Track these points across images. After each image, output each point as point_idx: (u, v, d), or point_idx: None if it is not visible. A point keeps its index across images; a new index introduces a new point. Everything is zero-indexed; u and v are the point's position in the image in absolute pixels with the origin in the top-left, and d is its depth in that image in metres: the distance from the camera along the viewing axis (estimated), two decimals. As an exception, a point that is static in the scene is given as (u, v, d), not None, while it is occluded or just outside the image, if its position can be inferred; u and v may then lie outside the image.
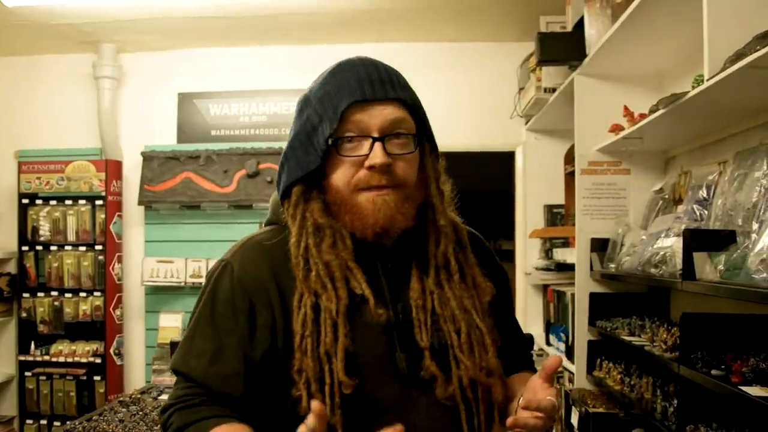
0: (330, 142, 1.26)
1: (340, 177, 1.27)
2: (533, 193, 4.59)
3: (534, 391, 1.21)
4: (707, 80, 1.88)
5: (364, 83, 1.27)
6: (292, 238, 1.29)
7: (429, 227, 1.34)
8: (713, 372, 1.80)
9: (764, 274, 1.60)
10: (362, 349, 1.23)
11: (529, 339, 1.54)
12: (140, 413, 2.99)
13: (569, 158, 3.98)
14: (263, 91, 4.90)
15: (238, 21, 4.37)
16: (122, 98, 4.94)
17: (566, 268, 3.96)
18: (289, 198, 1.33)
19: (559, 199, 4.27)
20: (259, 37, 4.70)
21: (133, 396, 3.34)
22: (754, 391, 1.59)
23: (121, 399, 3.30)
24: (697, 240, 1.94)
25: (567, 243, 3.85)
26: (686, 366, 1.90)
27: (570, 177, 3.94)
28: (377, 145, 1.25)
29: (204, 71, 4.93)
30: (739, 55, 1.73)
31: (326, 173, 1.29)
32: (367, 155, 1.25)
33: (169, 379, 4.23)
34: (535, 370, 1.53)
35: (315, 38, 4.68)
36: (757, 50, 1.61)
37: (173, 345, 4.39)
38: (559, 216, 4.36)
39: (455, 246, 1.37)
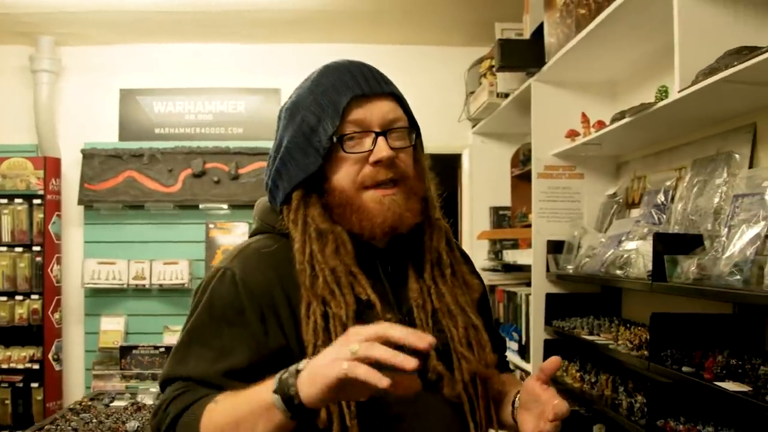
0: (335, 139, 1.24)
1: (344, 176, 1.26)
2: (479, 196, 4.68)
3: (534, 394, 1.23)
4: (679, 92, 1.97)
5: (359, 79, 1.28)
6: (296, 243, 1.26)
7: (425, 222, 1.36)
8: (684, 369, 1.89)
9: (737, 277, 1.70)
10: None
11: (504, 341, 1.59)
12: (94, 421, 2.91)
13: (516, 161, 4.08)
14: (209, 89, 4.83)
15: (185, 17, 4.29)
16: (61, 93, 4.78)
17: (515, 269, 4.07)
18: (289, 204, 1.29)
19: (506, 201, 4.37)
20: (206, 34, 4.63)
21: (83, 403, 3.24)
22: (729, 386, 1.68)
23: (71, 407, 3.20)
24: (666, 243, 2.03)
25: (517, 245, 3.95)
26: (657, 363, 1.99)
27: (516, 180, 4.05)
28: (380, 139, 1.25)
29: (148, 67, 4.82)
30: (713, 70, 1.82)
31: (327, 175, 1.27)
32: (370, 151, 1.25)
33: (119, 384, 4.13)
34: (511, 371, 1.58)
35: (263, 37, 4.64)
36: (734, 65, 1.70)
37: (123, 349, 4.28)
38: (505, 218, 4.46)
39: (446, 242, 1.39)
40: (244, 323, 1.21)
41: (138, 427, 2.85)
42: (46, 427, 2.86)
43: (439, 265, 1.36)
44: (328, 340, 1.18)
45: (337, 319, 1.21)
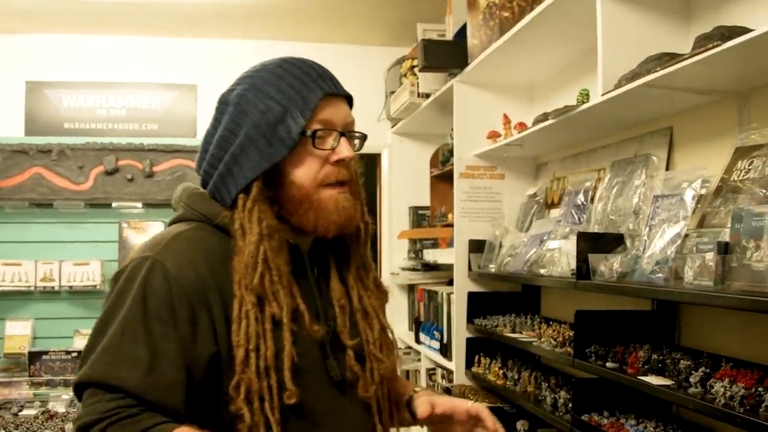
0: (308, 133, 1.23)
1: (306, 172, 1.25)
2: (399, 195, 4.71)
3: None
4: (602, 95, 2.03)
5: (326, 78, 1.28)
6: (251, 238, 1.20)
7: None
8: (608, 365, 1.95)
9: (659, 274, 1.76)
10: (300, 359, 1.20)
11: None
12: (2, 431, 2.75)
13: (435, 161, 4.12)
14: (123, 83, 4.65)
15: (97, 7, 4.12)
16: (-40, 84, 4.50)
17: (434, 269, 4.11)
18: (247, 194, 1.24)
19: (425, 201, 4.40)
20: (120, 25, 4.45)
21: (-11, 411, 3.07)
22: (653, 380, 1.74)
23: (-26, 415, 3.02)
24: (588, 242, 2.09)
25: (437, 244, 3.99)
26: (581, 360, 2.04)
27: (436, 180, 4.09)
28: (343, 139, 1.27)
29: (57, 59, 4.60)
30: (635, 74, 1.89)
31: (284, 169, 1.25)
32: (331, 150, 1.26)
33: (27, 392, 3.91)
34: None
35: (180, 31, 4.51)
36: (657, 71, 1.76)
37: (32, 355, 4.07)
38: (425, 218, 4.50)
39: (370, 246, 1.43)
40: (175, 335, 1.14)
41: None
42: (-53, 438, 2.69)
43: (363, 267, 1.39)
44: (259, 346, 1.17)
45: (270, 321, 1.19)
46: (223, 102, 1.31)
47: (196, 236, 1.25)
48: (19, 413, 3.06)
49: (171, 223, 1.34)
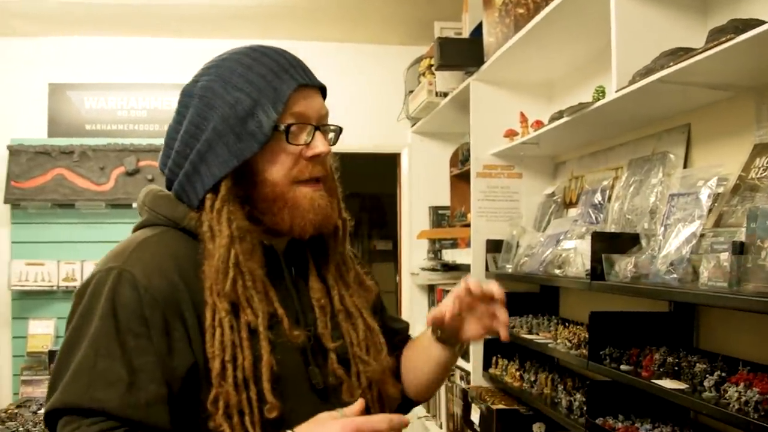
0: (281, 128, 1.16)
1: (279, 168, 1.18)
2: (418, 195, 4.69)
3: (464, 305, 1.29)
4: (616, 91, 1.99)
5: (298, 68, 1.21)
6: (220, 241, 1.13)
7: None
8: (623, 367, 1.91)
9: (673, 275, 1.72)
10: (280, 367, 1.14)
11: (407, 324, 1.61)
12: (21, 429, 2.78)
13: (455, 161, 4.09)
14: (143, 84, 4.69)
15: (118, 9, 4.16)
16: (-15, 87, 4.57)
17: (453, 269, 4.08)
18: (215, 194, 1.16)
19: (445, 201, 4.37)
20: (140, 27, 4.49)
21: (8, 411, 3.10)
22: (667, 384, 1.70)
23: (-5, 414, 3.06)
24: (604, 242, 2.05)
25: (456, 244, 3.95)
26: (595, 362, 2.00)
27: (455, 179, 4.06)
28: (318, 133, 1.21)
29: (78, 61, 4.65)
30: (649, 70, 1.84)
31: (254, 166, 1.18)
32: (305, 145, 1.20)
33: (41, 391, 3.94)
34: None
35: (198, 32, 4.53)
36: (670, 66, 1.72)
37: (53, 354, 4.11)
38: (444, 218, 4.47)
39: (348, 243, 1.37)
40: (150, 348, 1.08)
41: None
42: (-33, 437, 2.73)
43: (343, 265, 1.33)
44: (236, 356, 1.11)
45: (246, 329, 1.13)
46: (187, 94, 1.22)
47: (163, 242, 1.18)
48: (38, 411, 3.09)
49: (135, 229, 1.26)
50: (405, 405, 1.46)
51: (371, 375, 1.27)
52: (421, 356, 1.43)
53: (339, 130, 1.29)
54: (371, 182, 6.16)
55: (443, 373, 1.44)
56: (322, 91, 1.27)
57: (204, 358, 1.11)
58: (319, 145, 1.20)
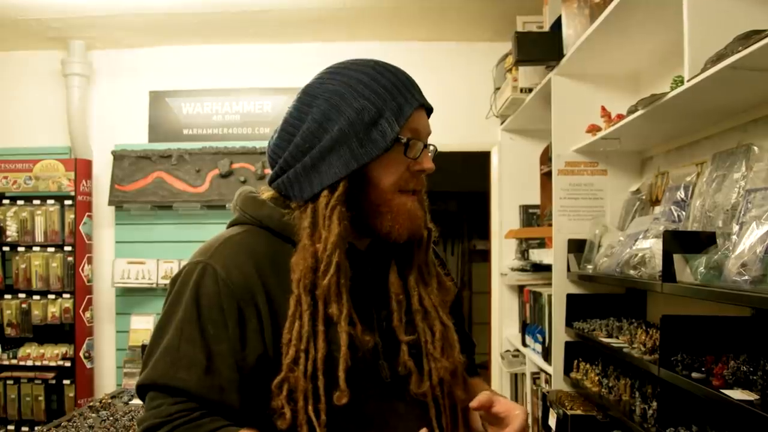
0: (403, 140, 1.25)
1: (391, 177, 1.26)
2: (509, 194, 4.59)
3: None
4: (687, 81, 1.86)
5: (416, 89, 1.30)
6: (330, 238, 1.20)
7: None
8: (694, 375, 1.79)
9: (745, 277, 1.59)
10: (352, 360, 1.20)
11: (473, 345, 1.57)
12: (111, 419, 2.92)
13: (545, 158, 3.97)
14: (236, 89, 4.84)
15: (211, 18, 4.31)
16: (92, 96, 4.85)
17: (542, 269, 3.96)
18: (332, 192, 1.23)
19: (535, 199, 4.27)
20: (232, 34, 4.64)
21: (103, 401, 3.27)
22: (735, 394, 1.58)
23: (91, 404, 3.22)
24: (677, 241, 1.93)
25: (543, 244, 3.84)
26: (666, 369, 1.89)
27: (545, 177, 3.94)
28: (425, 151, 1.30)
29: (176, 69, 4.86)
30: (720, 56, 1.72)
31: (368, 171, 1.25)
32: (414, 159, 1.27)
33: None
34: (478, 375, 1.55)
35: (287, 37, 4.62)
36: (739, 51, 1.59)
37: (144, 348, 4.30)
38: (534, 216, 4.35)
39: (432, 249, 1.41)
40: (226, 336, 1.19)
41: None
42: (63, 423, 2.88)
43: (426, 269, 1.37)
44: (308, 349, 1.18)
45: (323, 321, 1.19)
46: (310, 94, 1.28)
47: (245, 239, 1.28)
48: (129, 402, 3.24)
49: (228, 226, 1.37)
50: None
51: (443, 373, 1.30)
52: None
53: (435, 150, 1.36)
54: (469, 181, 6.10)
55: None
56: (429, 112, 1.34)
57: (274, 348, 1.19)
58: (427, 162, 1.30)
